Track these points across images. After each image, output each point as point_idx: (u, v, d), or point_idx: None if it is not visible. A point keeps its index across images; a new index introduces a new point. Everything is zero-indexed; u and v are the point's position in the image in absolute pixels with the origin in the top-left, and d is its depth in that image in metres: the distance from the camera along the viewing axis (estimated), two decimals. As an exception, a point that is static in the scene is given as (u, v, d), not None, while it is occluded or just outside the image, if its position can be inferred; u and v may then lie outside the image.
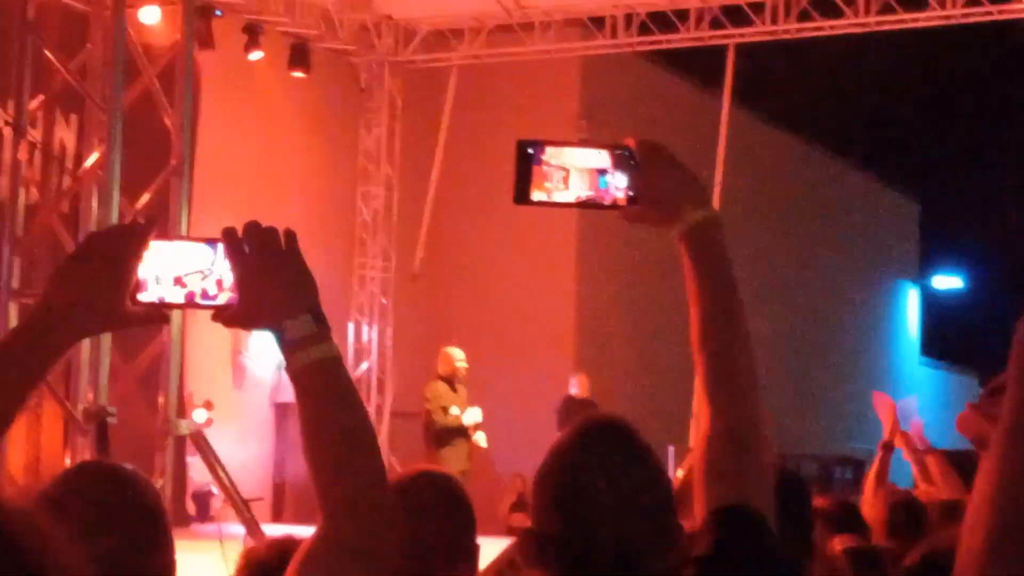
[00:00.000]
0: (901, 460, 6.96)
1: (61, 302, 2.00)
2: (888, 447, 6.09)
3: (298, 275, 1.99)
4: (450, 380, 13.91)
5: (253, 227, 1.99)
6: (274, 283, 1.97)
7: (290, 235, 2.02)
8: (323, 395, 1.95)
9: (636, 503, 2.09)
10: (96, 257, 2.05)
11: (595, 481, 2.10)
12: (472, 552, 2.99)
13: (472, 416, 13.68)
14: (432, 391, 13.74)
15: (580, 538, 2.07)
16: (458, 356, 14.13)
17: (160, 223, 10.17)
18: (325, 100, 18.48)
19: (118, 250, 2.02)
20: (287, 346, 1.95)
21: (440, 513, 2.88)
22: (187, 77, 11.57)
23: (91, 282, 2.00)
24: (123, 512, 2.15)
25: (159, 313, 2.17)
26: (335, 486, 1.91)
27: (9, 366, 1.98)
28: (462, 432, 13.80)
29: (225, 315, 2.03)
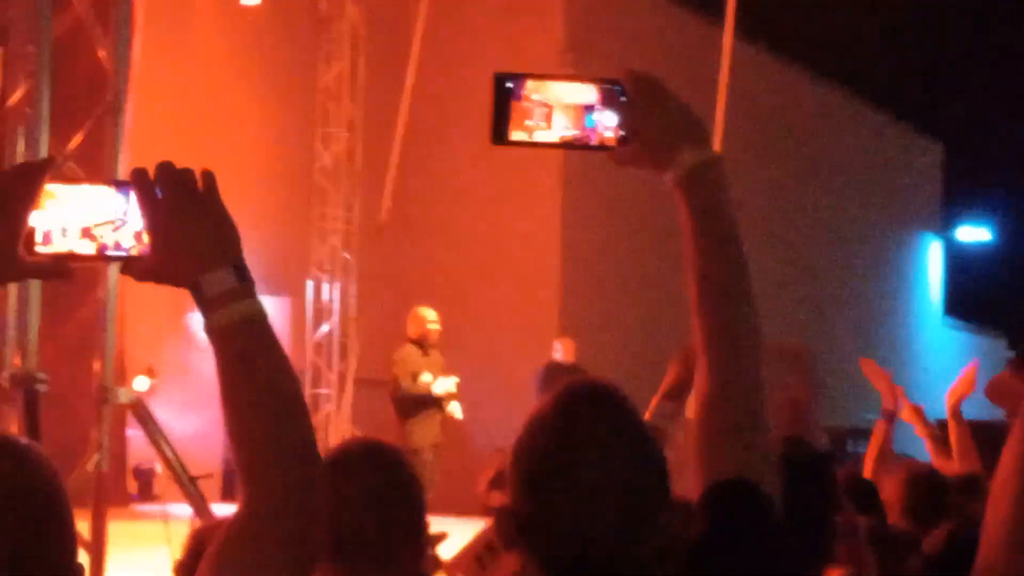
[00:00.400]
0: (911, 436, 6.64)
1: None
2: (889, 418, 5.79)
3: (218, 223, 1.93)
4: (421, 343, 13.35)
5: (166, 167, 1.94)
6: (190, 232, 1.91)
7: (208, 177, 1.96)
8: (245, 358, 1.88)
9: (623, 480, 1.96)
10: None
11: (577, 455, 1.97)
12: (418, 533, 2.89)
13: (444, 385, 13.16)
14: (400, 355, 13.14)
15: (561, 518, 1.95)
16: (430, 317, 13.57)
17: (96, 166, 10.04)
18: (279, 31, 17.60)
19: (7, 194, 1.97)
20: (204, 303, 1.89)
21: (378, 491, 2.76)
22: (122, 4, 10.87)
23: None
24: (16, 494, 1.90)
25: (63, 266, 2.01)
26: (257, 461, 1.87)
27: None
28: (434, 402, 13.24)
29: (135, 268, 1.96)
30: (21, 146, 10.32)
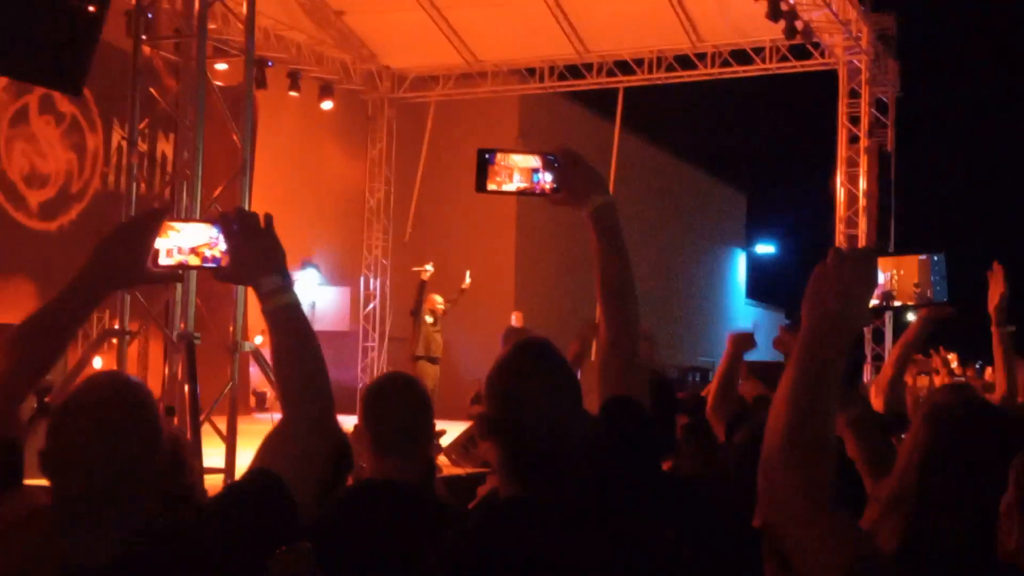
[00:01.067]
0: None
1: (97, 267, 2.35)
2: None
3: (271, 246, 2.26)
4: (432, 314, 15.61)
5: (239, 212, 2.28)
6: (253, 251, 2.25)
7: (267, 217, 2.28)
8: (287, 329, 2.23)
9: (552, 395, 2.27)
10: (120, 236, 2.37)
11: (526, 382, 2.29)
12: (430, 431, 3.34)
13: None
14: (422, 320, 15.49)
15: (515, 419, 2.26)
16: (439, 300, 15.80)
17: (230, 208, 11.78)
18: (343, 124, 20.97)
19: (137, 231, 2.35)
20: (261, 296, 2.24)
21: (407, 405, 3.22)
22: (248, 106, 11.68)
23: (117, 253, 2.34)
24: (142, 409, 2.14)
25: (175, 273, 2.44)
26: (292, 392, 2.18)
27: (62, 315, 2.35)
28: (434, 361, 15.37)
29: (219, 273, 2.33)
30: (184, 194, 10.72)
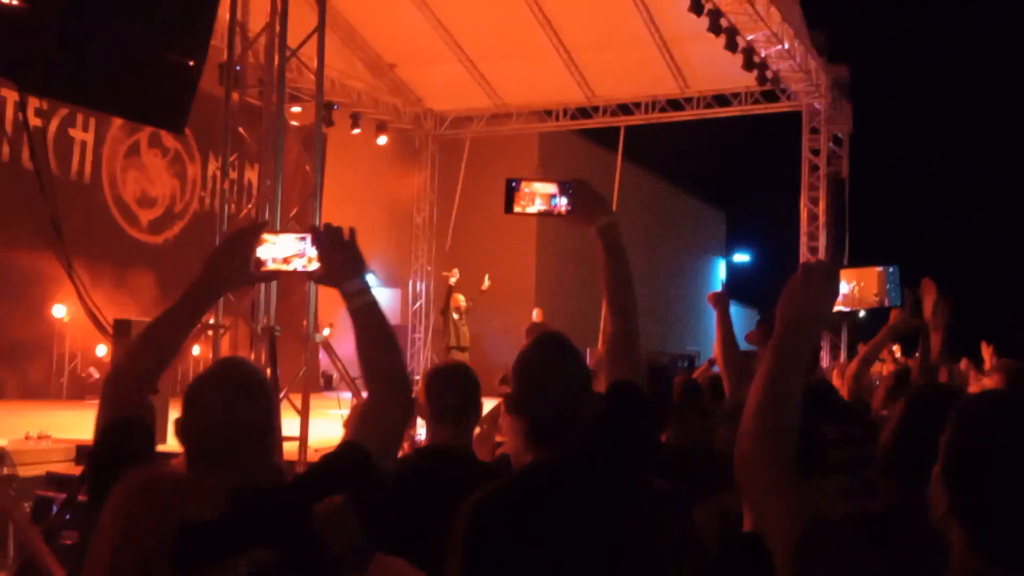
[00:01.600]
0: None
1: (211, 272, 2.37)
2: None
3: (354, 255, 2.27)
4: (458, 311, 15.77)
5: (329, 227, 2.29)
6: (340, 259, 2.26)
7: (352, 231, 2.29)
8: (368, 324, 2.23)
9: (567, 379, 2.28)
10: (228, 246, 2.40)
11: (545, 367, 2.30)
12: (478, 406, 3.25)
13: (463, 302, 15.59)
14: (449, 317, 15.82)
15: (535, 398, 2.27)
16: (462, 299, 15.88)
17: (303, 225, 10.35)
18: (395, 156, 21.03)
19: (240, 242, 2.37)
20: (346, 296, 2.24)
21: (457, 382, 3.18)
22: (318, 142, 11.72)
23: (226, 261, 2.37)
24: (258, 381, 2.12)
25: (274, 276, 2.40)
26: (376, 373, 2.18)
27: (183, 312, 2.36)
28: (463, 350, 15.46)
29: (314, 276, 2.33)
30: (267, 214, 10.57)
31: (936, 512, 1.55)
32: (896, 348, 11.67)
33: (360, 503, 2.02)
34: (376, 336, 2.26)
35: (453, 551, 2.19)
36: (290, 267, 2.37)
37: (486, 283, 16.11)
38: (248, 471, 2.03)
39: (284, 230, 2.53)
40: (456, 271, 16.04)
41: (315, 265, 2.35)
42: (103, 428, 2.21)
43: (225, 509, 1.93)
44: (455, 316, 15.64)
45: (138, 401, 2.26)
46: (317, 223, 10.76)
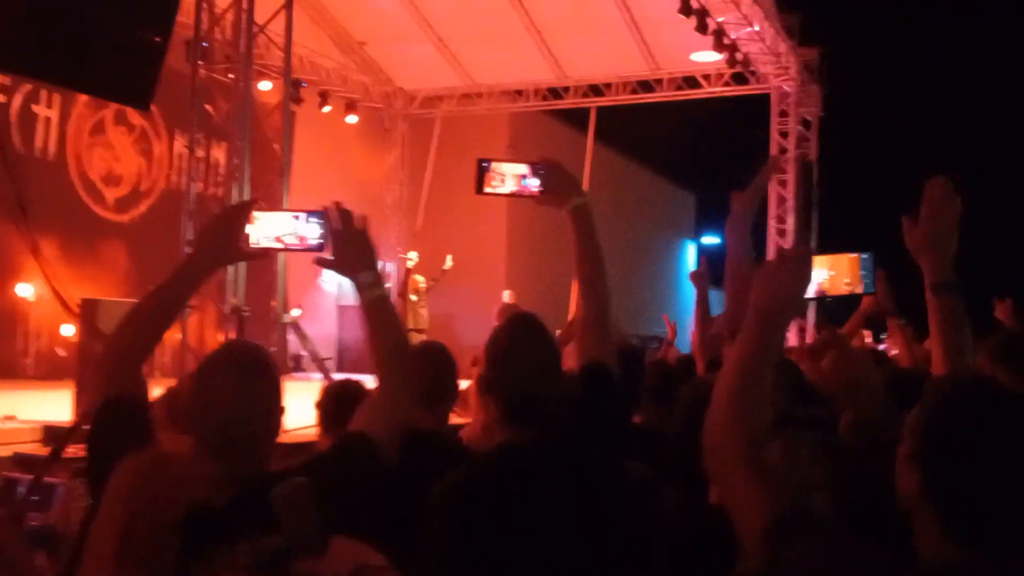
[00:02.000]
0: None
1: (202, 249, 2.39)
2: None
3: (368, 247, 2.27)
4: (416, 293, 16.08)
5: (343, 213, 2.28)
6: (353, 250, 2.25)
7: (364, 219, 2.30)
8: (379, 316, 2.22)
9: (540, 359, 2.32)
10: (219, 223, 2.41)
11: (516, 347, 2.33)
12: (453, 391, 3.30)
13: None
14: (408, 298, 16.04)
15: (509, 381, 2.29)
16: (420, 280, 16.28)
17: (271, 204, 9.32)
18: (364, 136, 20.53)
19: (232, 218, 2.38)
20: (359, 287, 2.21)
21: (426, 365, 3.17)
22: (286, 120, 11.72)
23: (217, 238, 2.37)
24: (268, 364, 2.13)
25: (263, 254, 2.42)
26: (384, 358, 2.20)
27: (175, 289, 2.34)
28: (420, 332, 15.58)
29: (324, 263, 2.30)
30: (235, 192, 10.85)
31: (903, 494, 1.54)
32: (867, 333, 11.79)
33: (362, 492, 2.05)
34: (388, 328, 2.25)
35: (430, 534, 2.18)
36: (279, 245, 2.39)
37: (448, 263, 16.15)
38: (256, 453, 2.05)
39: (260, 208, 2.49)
40: (414, 254, 16.19)
41: (316, 242, 2.37)
42: (100, 406, 2.19)
43: (235, 493, 1.93)
44: (413, 298, 15.83)
45: (132, 376, 2.25)
46: (285, 202, 11.05)
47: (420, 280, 16.02)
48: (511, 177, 2.58)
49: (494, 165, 2.59)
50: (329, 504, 2.01)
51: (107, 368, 2.28)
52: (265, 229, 2.42)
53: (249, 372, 2.04)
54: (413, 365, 2.30)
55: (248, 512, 1.88)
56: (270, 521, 1.86)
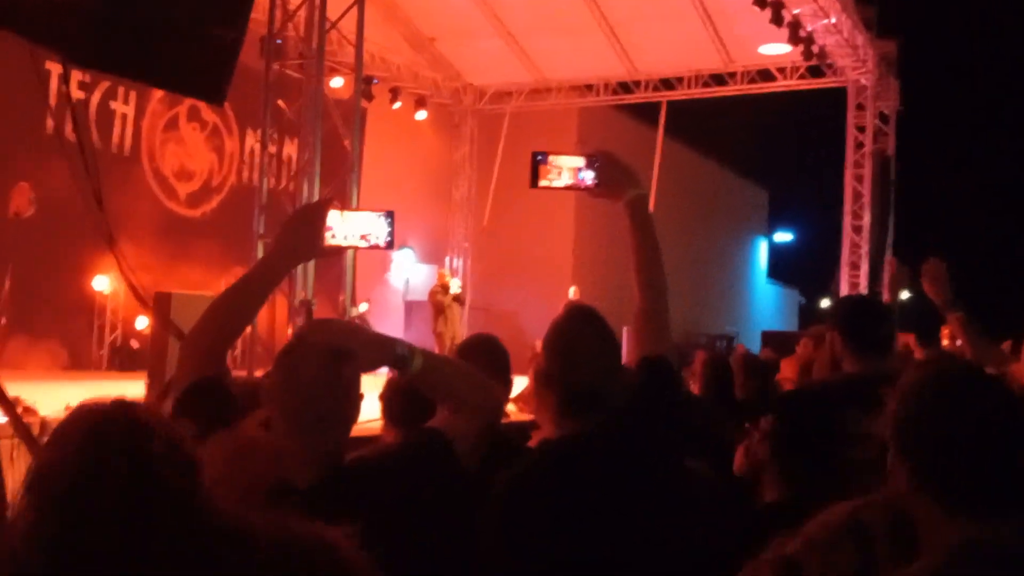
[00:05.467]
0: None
1: (284, 245, 2.40)
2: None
3: (377, 338, 2.17)
4: (445, 290, 15.77)
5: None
6: (376, 342, 2.14)
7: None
8: (435, 382, 2.18)
9: (599, 353, 2.27)
10: (299, 220, 2.46)
11: (577, 341, 2.29)
12: (508, 381, 3.25)
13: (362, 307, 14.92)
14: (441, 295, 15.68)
15: (568, 372, 2.25)
16: (454, 285, 16.04)
17: (341, 200, 10.61)
18: (434, 131, 21.12)
19: (312, 214, 2.43)
20: (399, 368, 2.11)
21: (489, 357, 3.13)
22: (357, 116, 11.69)
23: (299, 233, 2.39)
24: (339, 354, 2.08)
25: (341, 250, 2.50)
26: (461, 402, 2.14)
27: (258, 282, 2.39)
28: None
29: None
30: (305, 188, 10.98)
31: (899, 493, 1.59)
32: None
33: (433, 491, 2.03)
34: (445, 386, 2.20)
35: (487, 529, 2.16)
36: (364, 244, 2.44)
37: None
38: (337, 434, 2.07)
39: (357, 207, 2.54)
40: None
41: (386, 240, 2.48)
42: (185, 389, 2.24)
43: (316, 475, 1.95)
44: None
45: (216, 364, 2.30)
46: (355, 198, 11.30)
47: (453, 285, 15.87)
48: (567, 170, 2.57)
49: (550, 158, 2.58)
50: (399, 499, 2.02)
51: (191, 357, 2.32)
52: (350, 227, 2.47)
53: (331, 355, 2.05)
54: (485, 392, 2.20)
55: (328, 496, 1.89)
56: (350, 506, 1.84)
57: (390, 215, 2.47)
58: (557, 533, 2.14)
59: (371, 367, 2.15)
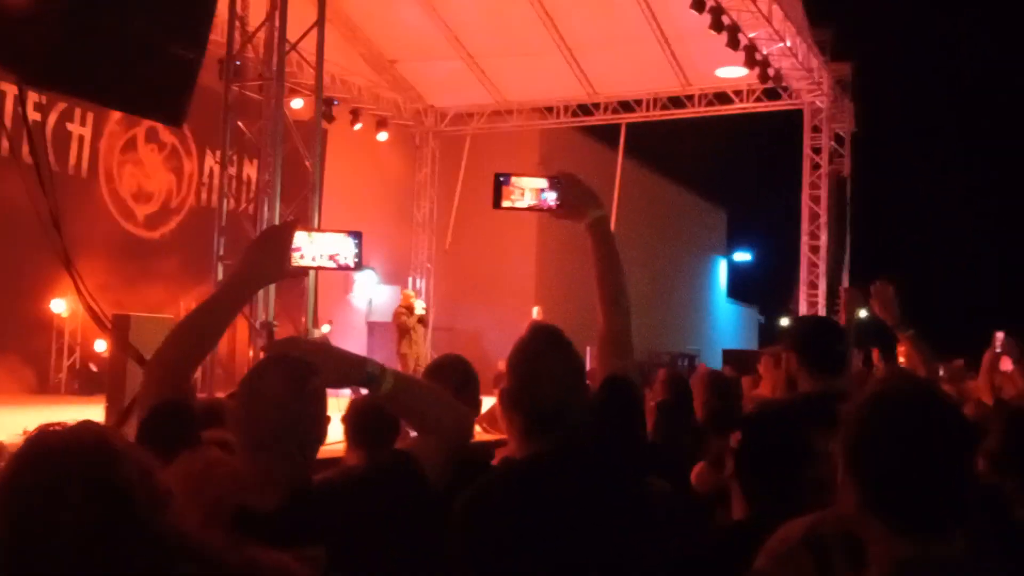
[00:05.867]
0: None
1: (250, 265, 2.39)
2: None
3: (353, 361, 2.14)
4: (410, 311, 15.48)
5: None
6: (345, 366, 2.13)
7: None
8: (406, 404, 2.20)
9: (563, 373, 2.26)
10: (266, 241, 2.45)
11: (539, 361, 2.27)
12: (476, 401, 3.21)
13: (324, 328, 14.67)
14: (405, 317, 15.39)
15: (532, 392, 2.24)
16: (418, 307, 15.79)
17: (303, 221, 10.45)
18: (395, 152, 21.04)
19: (279, 235, 2.43)
20: (370, 390, 2.13)
21: (457, 376, 3.11)
22: (318, 137, 11.68)
23: (265, 253, 2.39)
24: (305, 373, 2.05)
25: (304, 272, 3.02)
26: (429, 429, 2.18)
27: (224, 303, 2.38)
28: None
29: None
30: (266, 207, 10.88)
31: (847, 512, 1.62)
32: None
33: (403, 513, 2.03)
34: (415, 407, 2.21)
35: (453, 547, 2.15)
36: (331, 264, 2.46)
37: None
38: (302, 457, 2.04)
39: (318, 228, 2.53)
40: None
41: (354, 261, 2.50)
42: (149, 410, 2.22)
43: (280, 498, 1.94)
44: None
45: (180, 385, 2.28)
46: (316, 219, 11.21)
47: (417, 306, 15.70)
48: (529, 191, 2.57)
49: (513, 179, 2.57)
50: (366, 521, 2.00)
51: (155, 379, 2.30)
52: (318, 247, 2.49)
53: (297, 379, 2.03)
54: (453, 418, 2.21)
55: (294, 519, 1.88)
56: (316, 529, 1.85)
57: (358, 235, 2.49)
58: (519, 550, 2.13)
59: (339, 385, 2.13)
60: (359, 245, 2.51)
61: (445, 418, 2.19)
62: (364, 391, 2.14)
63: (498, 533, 2.16)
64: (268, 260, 2.38)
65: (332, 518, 1.96)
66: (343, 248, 2.51)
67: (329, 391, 2.13)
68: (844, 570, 1.61)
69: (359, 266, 2.53)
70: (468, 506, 2.19)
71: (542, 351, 2.33)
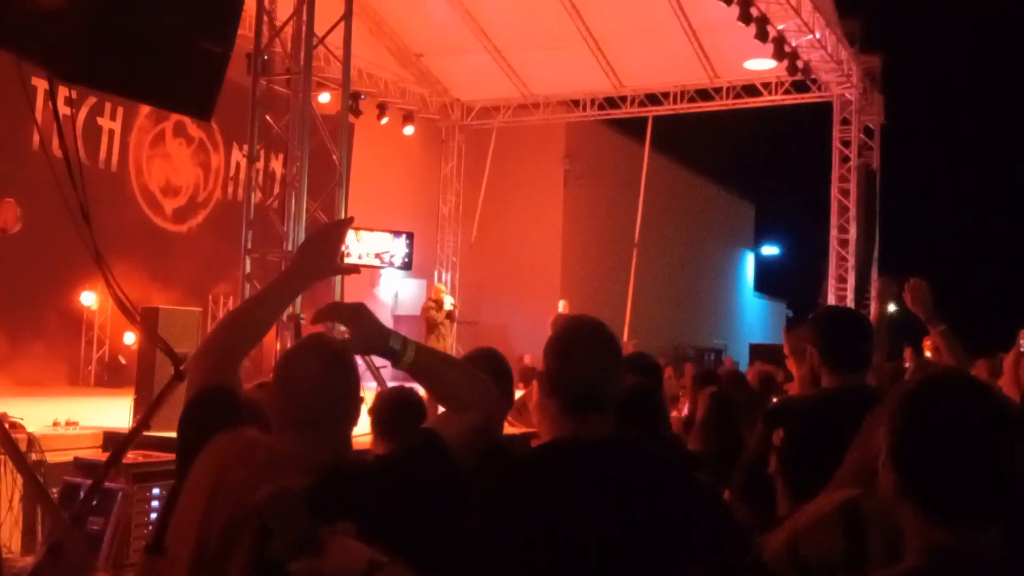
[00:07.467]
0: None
1: (303, 262, 2.41)
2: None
3: (372, 323, 2.17)
4: (439, 306, 15.45)
5: (332, 306, 2.25)
6: (365, 331, 2.15)
7: (358, 306, 2.18)
8: (427, 374, 2.19)
9: (600, 357, 2.28)
10: (318, 237, 2.45)
11: (575, 345, 2.29)
12: (510, 393, 3.23)
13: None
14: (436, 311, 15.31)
15: (568, 375, 2.25)
16: (447, 301, 15.64)
17: (328, 215, 10.91)
18: (421, 146, 21.20)
19: (332, 233, 2.44)
20: (391, 360, 2.15)
21: (493, 368, 2.99)
22: (344, 131, 11.68)
23: (318, 252, 2.40)
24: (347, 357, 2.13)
25: (355, 269, 2.59)
26: (454, 404, 2.17)
27: (274, 297, 2.41)
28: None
29: (352, 348, 2.19)
30: (293, 201, 10.88)
31: (885, 496, 1.64)
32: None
33: (431, 493, 2.05)
34: (438, 378, 2.22)
35: (473, 527, 2.12)
36: (378, 263, 2.38)
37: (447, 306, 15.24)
38: (336, 437, 2.09)
39: (309, 219, 2.52)
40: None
41: (402, 260, 2.38)
42: (193, 394, 2.27)
43: (314, 480, 1.96)
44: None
45: (226, 373, 2.30)
46: (343, 213, 11.16)
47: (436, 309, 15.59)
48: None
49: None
50: (397, 501, 2.04)
51: (201, 369, 2.33)
52: (366, 246, 2.45)
53: (331, 360, 2.08)
54: (477, 392, 2.19)
55: (326, 497, 1.90)
56: (348, 506, 1.89)
57: (410, 236, 2.50)
58: (550, 529, 2.12)
59: (364, 351, 2.17)
60: (411, 246, 2.47)
61: (471, 390, 2.19)
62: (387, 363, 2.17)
63: (530, 513, 2.13)
64: (319, 257, 2.39)
65: (363, 497, 1.99)
66: (393, 248, 2.45)
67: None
68: (876, 549, 1.62)
69: (408, 266, 2.45)
70: (498, 481, 2.20)
71: (582, 335, 2.34)
